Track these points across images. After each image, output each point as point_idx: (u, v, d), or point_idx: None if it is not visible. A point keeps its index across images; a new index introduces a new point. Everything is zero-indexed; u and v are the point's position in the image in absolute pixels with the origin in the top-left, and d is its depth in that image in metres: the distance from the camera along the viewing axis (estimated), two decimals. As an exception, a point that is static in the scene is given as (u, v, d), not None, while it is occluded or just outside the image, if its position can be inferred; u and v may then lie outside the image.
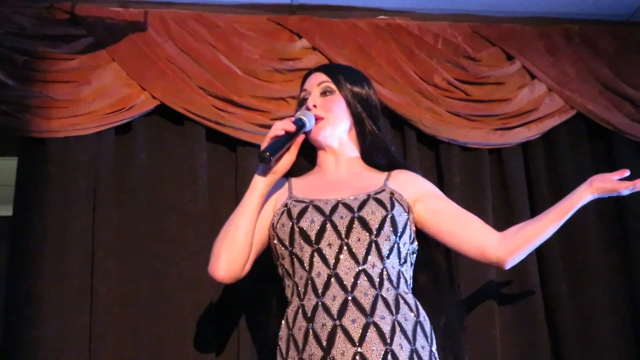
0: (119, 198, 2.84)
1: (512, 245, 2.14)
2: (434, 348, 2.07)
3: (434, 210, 2.20)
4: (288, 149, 2.11)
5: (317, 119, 2.25)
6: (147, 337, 2.69)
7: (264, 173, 2.11)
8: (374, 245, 2.04)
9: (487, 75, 3.07)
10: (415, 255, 2.20)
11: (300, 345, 2.00)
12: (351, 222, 2.05)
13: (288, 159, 2.13)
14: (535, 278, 2.95)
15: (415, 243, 2.20)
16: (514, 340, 2.88)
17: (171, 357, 2.69)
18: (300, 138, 2.14)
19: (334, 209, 2.09)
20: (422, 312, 2.09)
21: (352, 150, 2.36)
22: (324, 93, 2.31)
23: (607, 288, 2.99)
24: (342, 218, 2.06)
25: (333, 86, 2.31)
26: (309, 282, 2.05)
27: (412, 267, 2.19)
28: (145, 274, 2.76)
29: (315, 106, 2.27)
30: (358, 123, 2.34)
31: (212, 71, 2.94)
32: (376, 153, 2.35)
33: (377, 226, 2.05)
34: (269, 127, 2.73)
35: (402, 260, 2.12)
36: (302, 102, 2.38)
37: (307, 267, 2.06)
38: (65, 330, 2.62)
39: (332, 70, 2.43)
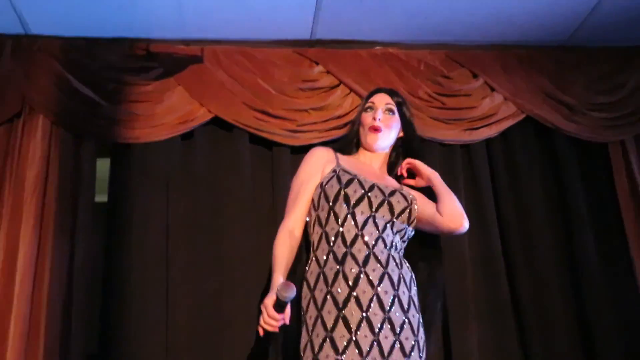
0: (185, 188, 2.98)
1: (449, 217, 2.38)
2: (412, 291, 2.24)
3: (423, 205, 2.37)
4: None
5: (378, 129, 2.44)
6: (208, 294, 2.83)
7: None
8: (391, 223, 2.25)
9: (458, 89, 3.24)
10: (410, 236, 2.38)
11: (330, 281, 2.15)
12: (382, 202, 2.25)
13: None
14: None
15: (413, 231, 2.37)
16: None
17: (227, 309, 2.81)
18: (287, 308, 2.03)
19: (372, 188, 2.27)
20: (411, 271, 2.30)
21: (384, 156, 2.55)
22: (387, 111, 2.49)
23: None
24: (376, 197, 2.25)
25: (394, 108, 2.51)
26: (339, 234, 2.20)
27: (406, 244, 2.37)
28: (208, 246, 2.92)
29: (379, 119, 2.45)
30: (402, 141, 2.57)
31: (252, 91, 3.08)
32: (398, 162, 2.58)
33: (399, 212, 2.26)
34: (296, 131, 2.99)
35: (404, 238, 2.34)
36: (365, 109, 2.53)
37: (340, 222, 2.22)
38: (146, 286, 2.80)
39: (395, 95, 2.57)
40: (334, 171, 2.34)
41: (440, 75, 3.28)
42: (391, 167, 2.61)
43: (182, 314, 2.81)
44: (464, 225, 2.41)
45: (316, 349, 2.08)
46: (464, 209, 2.53)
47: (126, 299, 2.79)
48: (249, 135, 3.10)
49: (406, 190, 2.39)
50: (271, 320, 1.98)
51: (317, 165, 2.40)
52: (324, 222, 2.27)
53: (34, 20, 3.03)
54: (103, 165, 3.07)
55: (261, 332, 2.03)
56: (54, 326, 2.71)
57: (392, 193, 2.30)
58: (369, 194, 2.26)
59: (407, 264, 2.30)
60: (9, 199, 2.84)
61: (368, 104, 2.55)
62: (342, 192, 2.25)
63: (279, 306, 1.93)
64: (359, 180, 2.29)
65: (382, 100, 2.53)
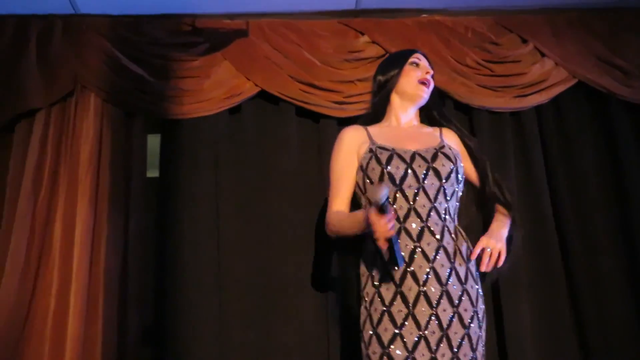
0: (234, 160, 2.93)
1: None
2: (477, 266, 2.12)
3: (467, 166, 2.28)
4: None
5: (429, 83, 2.30)
6: (258, 265, 2.80)
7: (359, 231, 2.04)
8: (442, 189, 2.10)
9: (507, 55, 3.06)
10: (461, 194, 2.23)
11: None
12: (427, 170, 2.10)
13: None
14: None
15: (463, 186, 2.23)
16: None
17: (278, 280, 2.78)
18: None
19: (413, 158, 2.12)
20: (469, 241, 2.15)
21: (417, 113, 2.38)
22: (430, 74, 2.33)
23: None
24: (419, 167, 2.10)
25: (431, 70, 2.34)
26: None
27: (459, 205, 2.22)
28: (256, 217, 2.87)
29: (431, 75, 2.32)
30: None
31: (298, 63, 2.98)
32: (436, 115, 2.38)
33: (446, 175, 2.11)
34: (342, 103, 2.91)
35: (458, 200, 2.19)
36: (411, 63, 2.33)
37: (391, 201, 2.08)
38: (199, 257, 2.78)
39: (428, 58, 2.41)
40: (371, 151, 2.17)
41: (488, 41, 3.11)
42: (432, 116, 2.42)
43: (234, 284, 2.79)
44: None
45: (375, 323, 2.02)
46: (515, 176, 2.58)
47: (179, 270, 2.78)
48: (295, 108, 3.00)
49: (448, 147, 2.22)
50: (383, 226, 1.85)
51: (351, 147, 2.23)
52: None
53: (82, -1, 2.95)
54: (154, 141, 3.03)
55: (384, 245, 1.88)
56: (112, 299, 2.70)
57: (435, 156, 2.15)
58: (412, 166, 2.11)
59: (463, 234, 2.16)
60: (64, 177, 2.81)
61: (414, 59, 2.36)
62: (385, 173, 2.10)
63: (382, 210, 1.83)
64: (397, 154, 2.13)
65: (426, 62, 2.38)
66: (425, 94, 2.32)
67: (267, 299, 2.78)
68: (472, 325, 2.01)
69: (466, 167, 2.28)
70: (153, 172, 3.00)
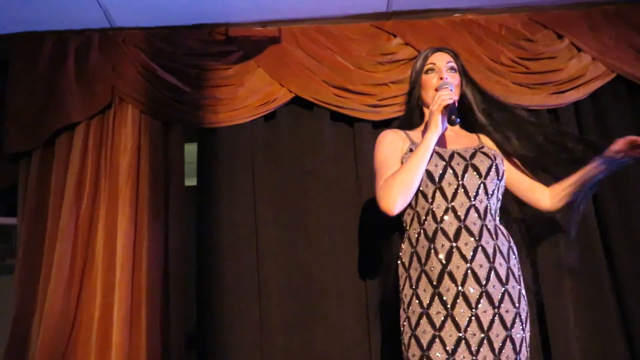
0: (270, 167, 2.90)
1: (558, 201, 2.19)
2: (519, 265, 2.08)
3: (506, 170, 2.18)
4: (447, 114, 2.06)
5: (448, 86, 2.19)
6: (297, 269, 2.78)
7: (438, 134, 2.06)
8: (482, 185, 2.04)
9: (542, 52, 2.97)
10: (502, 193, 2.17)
11: (423, 259, 2.01)
12: (466, 168, 2.05)
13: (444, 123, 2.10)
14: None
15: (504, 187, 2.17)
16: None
17: (318, 283, 2.75)
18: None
19: (452, 157, 2.08)
20: (511, 239, 2.11)
21: None
22: (450, 70, 2.24)
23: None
24: (458, 164, 2.06)
25: (455, 66, 2.26)
26: (430, 211, 2.04)
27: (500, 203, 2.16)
28: (294, 223, 2.84)
29: (447, 77, 2.20)
30: (465, 96, 2.30)
31: (331, 68, 2.94)
32: (477, 120, 2.30)
33: (486, 171, 2.06)
34: (377, 106, 2.85)
35: (499, 198, 2.13)
36: (426, 72, 2.25)
37: (429, 200, 2.05)
38: (238, 263, 2.77)
39: (453, 53, 2.32)
40: (411, 150, 2.13)
41: (522, 38, 3.01)
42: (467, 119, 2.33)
43: (274, 290, 2.77)
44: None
45: (413, 325, 1.98)
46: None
47: (219, 277, 2.78)
48: (329, 112, 2.97)
49: (487, 147, 2.19)
50: (446, 94, 2.04)
51: (394, 144, 2.19)
52: (414, 203, 2.10)
53: (118, 13, 2.97)
54: (191, 150, 3.02)
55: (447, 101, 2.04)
56: (154, 307, 2.71)
57: (473, 155, 2.11)
58: (451, 164, 2.07)
59: (505, 233, 2.09)
60: (105, 188, 2.83)
61: (428, 66, 2.27)
62: (425, 171, 2.06)
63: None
64: (437, 152, 2.09)
65: (442, 59, 2.27)
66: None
67: (307, 304, 2.75)
68: (514, 326, 1.95)
69: (512, 172, 2.26)
70: (191, 181, 2.99)
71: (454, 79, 2.24)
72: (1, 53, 3.00)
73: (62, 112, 2.86)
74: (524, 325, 1.98)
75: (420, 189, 2.08)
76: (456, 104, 2.08)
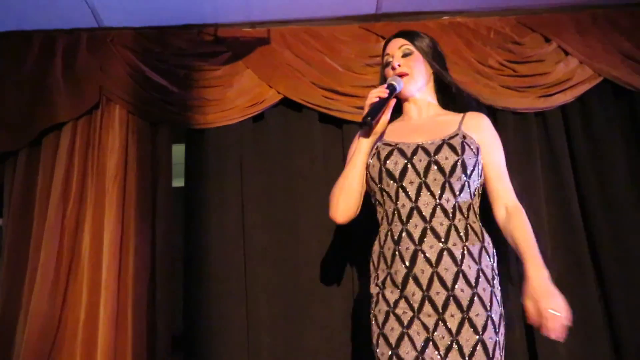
0: (258, 168, 2.88)
1: (504, 231, 1.99)
2: (495, 265, 1.95)
3: (484, 161, 2.04)
4: (383, 111, 2.00)
5: (402, 75, 2.10)
6: (285, 262, 2.77)
7: (367, 135, 2.02)
8: (447, 184, 1.92)
9: (530, 55, 2.94)
10: (482, 187, 2.04)
11: (389, 261, 1.94)
12: (428, 165, 1.93)
13: (384, 120, 2.02)
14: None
15: (482, 177, 2.03)
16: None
17: (305, 285, 2.74)
18: (392, 101, 2.03)
19: (415, 152, 1.96)
20: (487, 238, 1.97)
21: (431, 98, 2.19)
22: (405, 55, 2.14)
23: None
24: (420, 161, 1.94)
25: (412, 47, 2.15)
26: (396, 211, 1.95)
27: (480, 197, 2.03)
28: (282, 224, 2.83)
29: (399, 65, 2.11)
30: (435, 74, 2.18)
31: (320, 70, 2.91)
32: (452, 97, 2.19)
33: (450, 169, 1.92)
34: None
35: (472, 195, 1.98)
36: (386, 65, 2.19)
37: (394, 200, 1.96)
38: (225, 265, 2.75)
39: (408, 34, 2.21)
40: (376, 148, 2.06)
41: (511, 41, 3.00)
42: (447, 99, 2.22)
43: (260, 291, 2.75)
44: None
45: (381, 323, 1.92)
46: (541, 178, 2.52)
47: (207, 279, 2.76)
48: (318, 114, 2.94)
49: (462, 135, 2.01)
50: (375, 91, 1.98)
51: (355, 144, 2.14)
52: (382, 202, 2.04)
53: (106, 13, 2.94)
54: (179, 151, 3.00)
55: (374, 97, 1.98)
56: (141, 308, 2.69)
57: (439, 149, 1.96)
58: (412, 161, 1.96)
59: (478, 232, 1.96)
60: (92, 188, 2.80)
61: (385, 58, 2.20)
62: (383, 169, 1.99)
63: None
64: (399, 149, 2.00)
65: (395, 47, 2.18)
66: (402, 88, 2.11)
67: (293, 305, 2.74)
68: (486, 330, 1.83)
69: (483, 157, 2.05)
70: (178, 182, 2.97)
71: (407, 64, 2.13)
72: (-13, 52, 2.94)
73: (49, 111, 2.83)
74: (497, 328, 1.87)
75: (384, 188, 2.00)
76: (388, 99, 2.00)
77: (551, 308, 1.76)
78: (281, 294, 2.75)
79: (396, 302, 1.91)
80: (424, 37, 2.22)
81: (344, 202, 2.05)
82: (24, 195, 2.79)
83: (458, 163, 1.94)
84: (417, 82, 2.15)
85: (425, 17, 3.05)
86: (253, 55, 2.95)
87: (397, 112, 2.19)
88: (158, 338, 2.68)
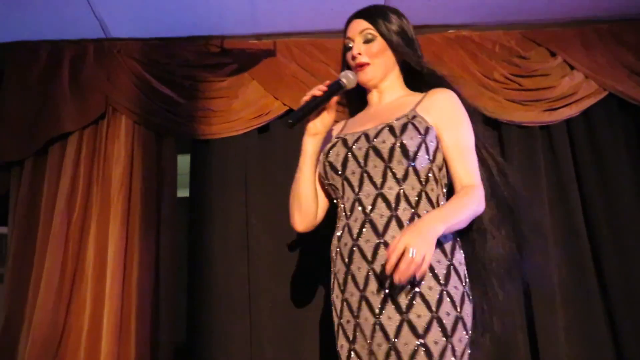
0: (263, 179, 2.87)
1: None
2: (453, 260, 1.74)
3: (442, 139, 1.83)
4: (323, 109, 1.88)
5: (363, 65, 1.92)
6: (290, 273, 2.73)
7: (308, 136, 1.92)
8: (388, 170, 1.75)
9: (536, 69, 2.94)
10: (442, 171, 1.83)
11: (334, 261, 1.85)
12: (367, 151, 1.78)
13: (328, 119, 1.90)
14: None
15: (440, 160, 1.82)
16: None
17: (308, 286, 2.71)
18: (335, 99, 1.89)
19: (357, 140, 1.82)
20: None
21: (397, 84, 2.00)
22: (366, 41, 1.94)
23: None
24: (360, 149, 1.79)
25: (374, 32, 1.94)
26: (342, 206, 1.84)
27: (441, 182, 1.82)
28: (286, 235, 2.75)
29: (360, 54, 1.92)
30: (402, 59, 1.98)
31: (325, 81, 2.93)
32: (420, 79, 1.98)
33: (388, 153, 1.75)
34: None
35: (423, 181, 1.78)
36: (346, 49, 2.00)
37: (340, 194, 1.85)
38: (230, 276, 2.74)
39: (370, 15, 1.97)
40: (326, 143, 1.94)
41: (516, 55, 2.99)
42: (415, 82, 2.01)
43: (264, 302, 2.74)
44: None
45: (336, 338, 1.83)
46: (546, 192, 2.48)
47: (210, 289, 2.75)
48: (328, 124, 2.92)
49: (408, 116, 1.81)
50: (310, 91, 1.85)
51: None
52: (334, 197, 1.94)
53: (113, 24, 2.95)
54: (184, 161, 3.00)
55: (308, 97, 1.85)
56: (144, 318, 2.68)
57: (378, 134, 1.79)
58: (352, 149, 1.81)
59: None
60: (97, 198, 2.80)
61: (345, 42, 2.00)
62: (327, 162, 1.88)
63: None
64: (343, 139, 1.86)
65: (356, 30, 1.96)
66: (367, 79, 1.96)
67: (297, 316, 2.72)
68: (429, 333, 1.63)
69: (441, 136, 1.84)
70: (183, 192, 2.96)
71: (369, 52, 1.94)
72: (-5, 61, 2.96)
73: (56, 121, 2.84)
74: (446, 331, 1.64)
75: (332, 183, 1.89)
76: (328, 97, 1.87)
77: (412, 246, 1.54)
78: (285, 304, 2.73)
79: (341, 310, 1.79)
80: (388, 15, 1.99)
81: (298, 209, 1.98)
82: (29, 204, 2.79)
83: (396, 146, 1.76)
84: (379, 72, 1.97)
85: (431, 31, 3.03)
86: (259, 67, 2.95)
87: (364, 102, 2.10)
88: (161, 348, 2.68)
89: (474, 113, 1.99)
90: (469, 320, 1.72)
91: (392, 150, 1.75)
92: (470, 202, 1.75)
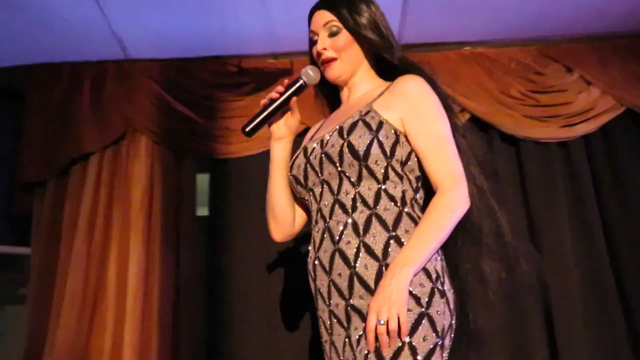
0: None
1: None
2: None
3: (408, 132, 1.64)
4: (286, 111, 1.79)
5: (330, 60, 1.77)
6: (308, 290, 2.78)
7: (274, 142, 1.82)
8: (342, 175, 1.62)
9: (552, 85, 2.95)
10: (404, 166, 1.63)
11: (308, 276, 1.72)
12: (321, 159, 1.65)
13: (293, 121, 1.81)
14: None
15: (404, 156, 1.63)
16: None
17: None
18: (294, 101, 1.78)
19: (313, 149, 1.70)
20: (401, 227, 1.58)
21: (367, 77, 1.84)
22: (331, 34, 1.78)
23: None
24: (315, 157, 1.67)
25: (339, 24, 1.77)
26: (311, 219, 1.74)
27: (415, 181, 1.66)
28: (305, 253, 2.81)
29: (325, 49, 1.77)
30: (370, 50, 1.81)
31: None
32: (394, 69, 1.77)
33: (338, 157, 1.61)
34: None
35: (381, 179, 1.61)
36: (312, 44, 1.84)
37: (310, 207, 1.74)
38: (249, 293, 2.75)
39: (333, 5, 1.79)
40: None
41: (532, 72, 2.99)
42: (387, 72, 1.82)
43: (284, 320, 2.74)
44: None
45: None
46: (565, 208, 2.50)
47: (230, 307, 2.76)
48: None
49: (364, 113, 1.66)
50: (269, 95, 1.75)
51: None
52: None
53: (133, 45, 2.98)
54: (203, 180, 3.02)
55: (265, 102, 1.75)
56: (165, 337, 2.70)
57: (331, 137, 1.66)
58: (310, 158, 1.69)
59: (387, 222, 1.58)
60: (118, 217, 2.82)
61: (310, 35, 1.84)
62: (291, 176, 1.78)
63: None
64: (305, 148, 1.75)
65: (320, 22, 1.80)
66: (334, 75, 1.81)
67: (316, 335, 2.66)
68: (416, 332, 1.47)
69: (407, 130, 1.65)
70: (202, 211, 2.98)
71: (335, 46, 1.78)
72: (18, 83, 3.02)
73: (77, 142, 2.87)
74: (409, 331, 1.45)
75: (302, 197, 1.79)
76: (286, 98, 1.77)
77: (381, 317, 1.42)
78: (304, 322, 2.73)
79: (320, 328, 1.69)
80: (354, 2, 1.81)
81: (273, 219, 1.85)
82: (52, 224, 2.82)
83: (344, 147, 1.61)
84: (348, 67, 1.81)
85: (447, 48, 3.05)
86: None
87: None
88: (182, 367, 2.66)
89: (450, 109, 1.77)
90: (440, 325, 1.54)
91: (340, 153, 1.61)
92: (442, 219, 1.55)
